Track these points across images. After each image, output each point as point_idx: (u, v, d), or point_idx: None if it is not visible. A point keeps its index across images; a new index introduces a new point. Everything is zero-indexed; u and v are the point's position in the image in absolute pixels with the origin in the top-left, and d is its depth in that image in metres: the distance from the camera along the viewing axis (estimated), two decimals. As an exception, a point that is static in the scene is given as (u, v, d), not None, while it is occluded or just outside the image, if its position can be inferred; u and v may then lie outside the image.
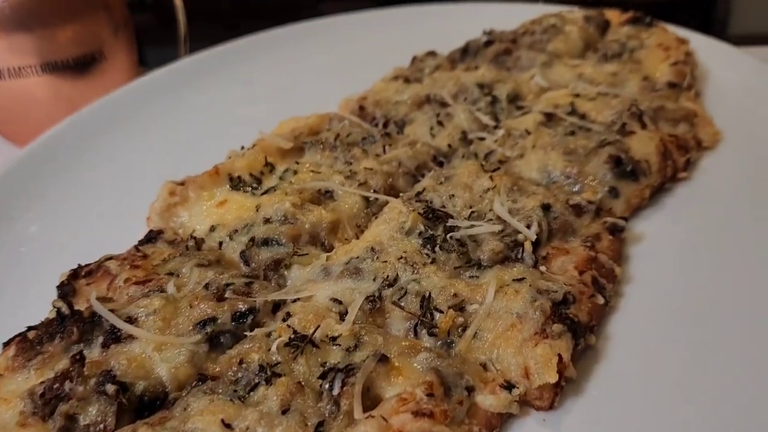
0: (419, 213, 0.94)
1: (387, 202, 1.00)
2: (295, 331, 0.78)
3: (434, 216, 0.94)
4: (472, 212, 0.97)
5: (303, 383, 0.72)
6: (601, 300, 0.86)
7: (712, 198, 1.09)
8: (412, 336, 0.82)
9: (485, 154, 1.13)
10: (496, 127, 1.17)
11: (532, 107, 1.24)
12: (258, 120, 1.23)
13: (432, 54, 1.45)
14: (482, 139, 1.15)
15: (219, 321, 0.81)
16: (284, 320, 0.81)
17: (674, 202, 1.09)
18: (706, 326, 0.84)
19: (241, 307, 0.82)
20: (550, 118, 1.17)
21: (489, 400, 0.73)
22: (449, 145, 1.17)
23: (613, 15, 1.58)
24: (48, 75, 1.44)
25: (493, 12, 1.74)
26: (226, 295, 0.84)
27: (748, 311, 0.85)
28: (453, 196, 1.00)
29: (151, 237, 0.98)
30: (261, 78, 1.53)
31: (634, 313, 0.88)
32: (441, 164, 1.13)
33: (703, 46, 1.49)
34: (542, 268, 0.88)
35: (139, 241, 0.98)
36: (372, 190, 1.04)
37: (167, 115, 1.40)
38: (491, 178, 1.02)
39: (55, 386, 0.70)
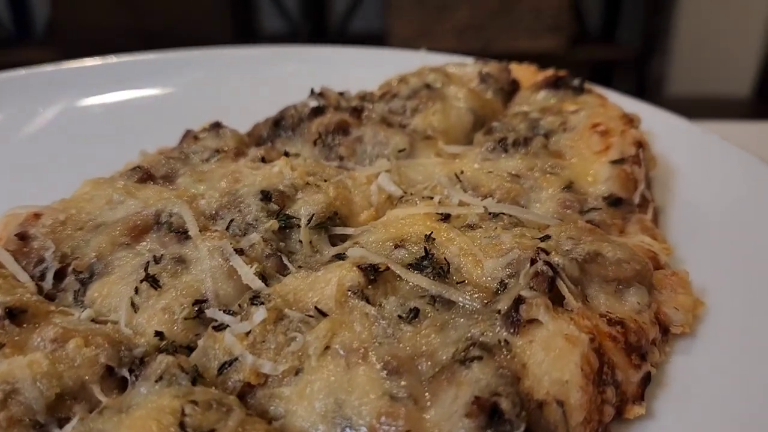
0: None
1: None
2: None
3: None
4: None
5: None
6: None
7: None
8: None
9: (220, 366, 0.51)
10: (255, 300, 0.55)
11: (359, 241, 0.63)
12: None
13: (216, 127, 0.83)
14: (220, 328, 0.53)
15: None
16: None
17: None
18: None
19: None
20: (374, 279, 0.56)
21: None
22: (158, 334, 0.54)
23: (524, 72, 1.00)
24: None
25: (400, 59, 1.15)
26: None
27: None
28: None
29: None
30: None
31: None
32: (122, 383, 0.51)
33: (664, 129, 0.92)
34: None
35: None
36: None
37: None
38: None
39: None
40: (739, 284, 0.67)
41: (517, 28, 5.21)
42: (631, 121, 0.84)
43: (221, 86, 1.10)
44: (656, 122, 0.91)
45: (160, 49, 1.23)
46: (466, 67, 1.00)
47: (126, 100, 1.09)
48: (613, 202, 0.72)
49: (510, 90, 0.98)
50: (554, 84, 0.94)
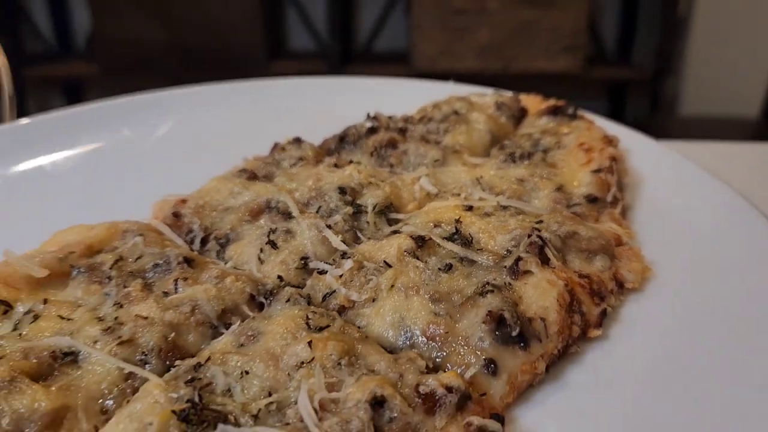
0: (175, 412, 0.60)
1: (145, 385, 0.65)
2: None
3: (199, 418, 0.60)
4: (270, 404, 0.64)
5: None
6: None
7: (635, 367, 0.78)
8: None
9: (324, 296, 0.80)
10: (344, 256, 0.85)
11: (408, 222, 0.92)
12: (48, 222, 0.90)
13: (297, 141, 1.14)
14: (322, 273, 0.83)
15: None
16: None
17: (582, 376, 0.77)
18: None
19: None
20: (421, 244, 0.85)
21: None
22: (280, 277, 0.84)
23: (531, 102, 1.30)
24: None
25: (403, 88, 1.46)
26: None
27: None
28: (247, 373, 0.66)
29: None
30: (75, 160, 1.19)
31: None
32: (261, 306, 0.80)
33: (638, 147, 1.21)
34: None
35: None
36: (141, 352, 0.70)
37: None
38: (310, 343, 0.68)
39: None
40: (679, 260, 0.95)
41: (535, 49, 5.49)
42: (610, 141, 1.13)
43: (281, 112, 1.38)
44: (631, 141, 1.20)
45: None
46: (485, 96, 1.30)
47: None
48: (592, 199, 1.01)
49: (519, 116, 1.27)
50: (554, 112, 1.23)
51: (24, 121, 1.23)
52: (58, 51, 6.10)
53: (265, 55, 5.29)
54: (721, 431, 0.68)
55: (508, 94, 1.30)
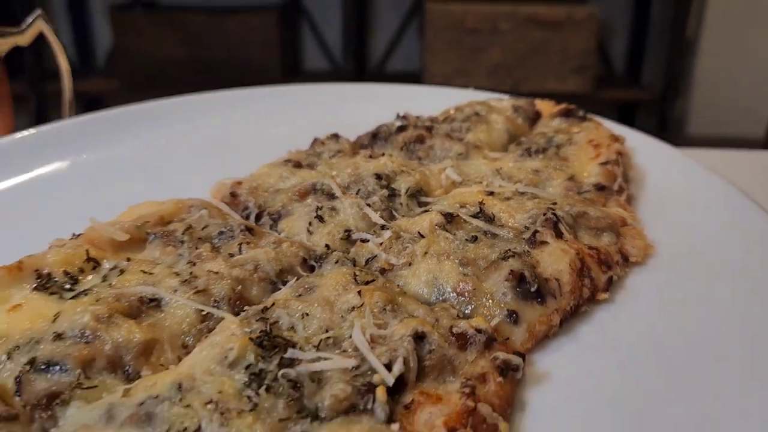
0: (251, 338, 0.73)
1: (222, 322, 0.78)
2: None
3: (271, 343, 0.73)
4: (327, 339, 0.76)
5: None
6: (472, 473, 0.64)
7: (637, 327, 0.90)
8: None
9: (366, 260, 0.93)
10: (384, 228, 0.98)
11: (436, 204, 1.05)
12: (117, 201, 1.04)
13: (335, 137, 1.28)
14: (365, 241, 0.96)
15: None
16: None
17: (591, 332, 0.89)
18: None
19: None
20: (450, 220, 0.98)
21: None
22: (327, 246, 0.97)
23: (545, 106, 1.44)
24: None
25: (431, 95, 1.60)
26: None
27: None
28: (307, 315, 0.79)
29: None
30: (139, 151, 1.34)
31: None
32: (312, 269, 0.93)
33: (642, 146, 1.35)
34: (394, 427, 0.66)
35: None
36: (213, 300, 0.83)
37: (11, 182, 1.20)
38: (360, 293, 0.81)
39: None
40: (678, 241, 1.07)
41: (545, 70, 5.66)
42: (616, 139, 1.27)
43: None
44: (637, 141, 1.34)
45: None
46: (503, 101, 1.44)
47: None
48: (600, 188, 1.14)
49: (534, 118, 1.41)
50: (565, 114, 1.37)
51: (88, 116, 1.38)
52: (80, 67, 6.31)
53: (281, 73, 5.49)
54: (712, 383, 0.80)
55: (523, 99, 1.44)
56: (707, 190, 1.20)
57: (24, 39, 1.43)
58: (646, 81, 5.99)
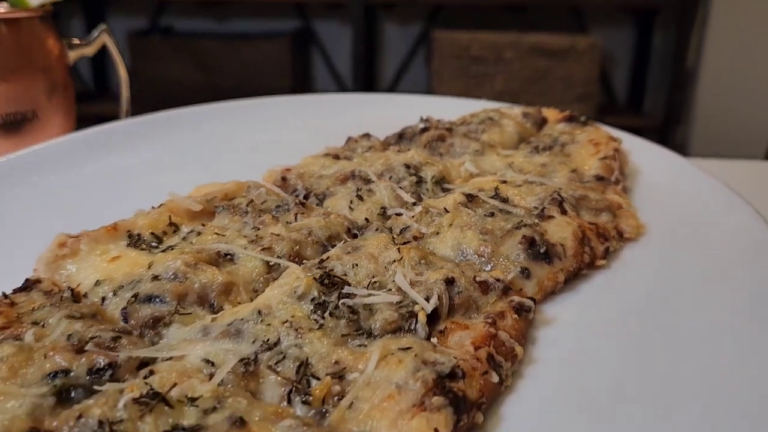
0: (315, 278, 0.91)
1: (287, 269, 0.97)
2: (151, 389, 0.72)
3: (330, 282, 0.92)
4: (374, 282, 0.95)
5: (143, 444, 0.66)
6: (495, 378, 0.82)
7: (629, 288, 1.08)
8: (286, 404, 0.77)
9: (400, 230, 1.12)
10: (415, 204, 1.17)
11: (457, 189, 1.25)
12: (179, 186, 1.23)
13: (367, 136, 1.48)
14: (399, 215, 1.15)
15: (72, 374, 0.75)
16: (145, 378, 0.76)
17: (590, 290, 1.08)
18: (604, 419, 0.80)
19: (101, 361, 0.77)
20: (471, 200, 1.17)
21: (353, 475, 0.67)
22: (366, 219, 1.16)
23: (550, 113, 1.64)
24: (-24, 129, 1.44)
25: (438, 104, 1.81)
26: (86, 348, 0.79)
27: (651, 406, 0.82)
28: (356, 265, 0.98)
29: (27, 286, 0.93)
30: (192, 147, 1.54)
31: (532, 396, 0.84)
32: (355, 236, 1.12)
33: (637, 147, 1.55)
34: (434, 340, 0.85)
35: (14, 290, 0.93)
36: (276, 256, 1.02)
37: (88, 173, 1.39)
38: (399, 250, 1.00)
39: None
40: (667, 223, 1.26)
41: (548, 97, 5.89)
42: (614, 139, 1.47)
43: (364, 120, 1.74)
44: (632, 143, 1.54)
45: None
46: (513, 109, 1.65)
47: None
48: (599, 178, 1.33)
49: (541, 123, 1.61)
50: (569, 119, 1.57)
51: (146, 116, 1.59)
52: (95, 92, 6.57)
53: (293, 97, 5.73)
54: (690, 320, 0.98)
55: (531, 107, 1.64)
56: (692, 182, 1.39)
57: (90, 50, 1.64)
58: (647, 109, 6.22)
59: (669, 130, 5.69)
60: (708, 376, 0.85)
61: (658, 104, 6.06)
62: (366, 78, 5.96)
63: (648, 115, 5.95)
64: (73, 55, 1.61)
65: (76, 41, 1.63)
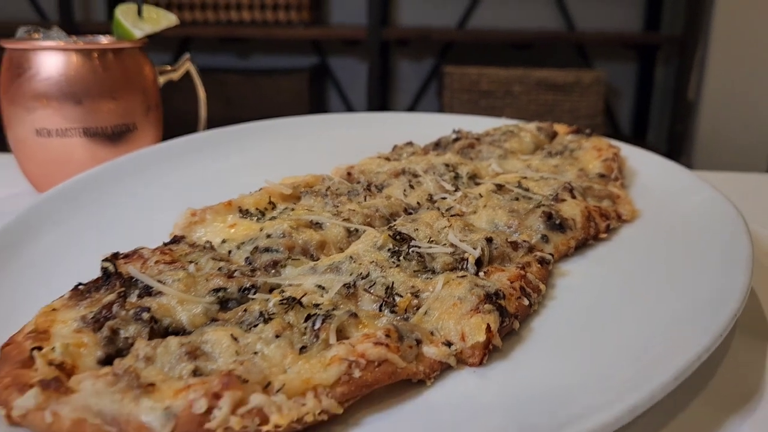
0: (389, 235, 1.26)
1: (365, 232, 1.32)
2: (289, 295, 1.07)
3: (401, 238, 1.26)
4: (431, 241, 1.30)
5: (292, 324, 1.00)
6: (526, 302, 1.16)
7: (627, 254, 1.43)
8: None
9: (446, 209, 1.47)
10: (455, 190, 1.53)
11: (487, 181, 1.60)
12: (259, 182, 1.58)
13: (410, 144, 1.85)
14: (444, 198, 1.50)
15: (228, 290, 1.09)
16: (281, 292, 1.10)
17: (595, 254, 1.42)
18: (605, 332, 1.14)
19: (246, 283, 1.11)
20: (500, 189, 1.53)
21: (432, 351, 1.01)
22: (417, 203, 1.51)
23: (560, 128, 2.01)
24: (88, 138, 1.81)
25: (464, 122, 2.18)
26: (234, 275, 1.13)
27: (639, 323, 1.15)
28: (417, 230, 1.33)
29: (175, 240, 1.28)
30: (265, 155, 1.91)
31: (552, 317, 1.18)
32: (410, 214, 1.47)
33: (634, 155, 1.91)
34: (481, 274, 1.19)
35: (165, 243, 1.28)
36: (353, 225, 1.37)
37: (185, 170, 1.75)
38: (448, 220, 1.35)
39: (103, 310, 0.98)
40: (657, 211, 1.61)
41: (556, 128, 6.21)
42: (613, 146, 1.83)
43: (402, 135, 2.11)
44: (630, 152, 1.90)
45: None
46: (529, 124, 2.02)
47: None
48: (601, 176, 1.69)
49: (553, 135, 1.98)
50: (576, 132, 1.94)
51: (221, 129, 1.96)
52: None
53: (311, 128, 6.15)
54: (680, 273, 1.32)
55: (544, 123, 2.01)
56: (681, 182, 1.74)
57: (176, 75, 2.02)
58: (651, 140, 6.61)
59: (672, 160, 6.04)
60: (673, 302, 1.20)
61: (661, 136, 6.45)
62: (380, 111, 6.36)
63: (652, 147, 6.32)
64: (162, 79, 1.99)
65: (167, 68, 2.01)
